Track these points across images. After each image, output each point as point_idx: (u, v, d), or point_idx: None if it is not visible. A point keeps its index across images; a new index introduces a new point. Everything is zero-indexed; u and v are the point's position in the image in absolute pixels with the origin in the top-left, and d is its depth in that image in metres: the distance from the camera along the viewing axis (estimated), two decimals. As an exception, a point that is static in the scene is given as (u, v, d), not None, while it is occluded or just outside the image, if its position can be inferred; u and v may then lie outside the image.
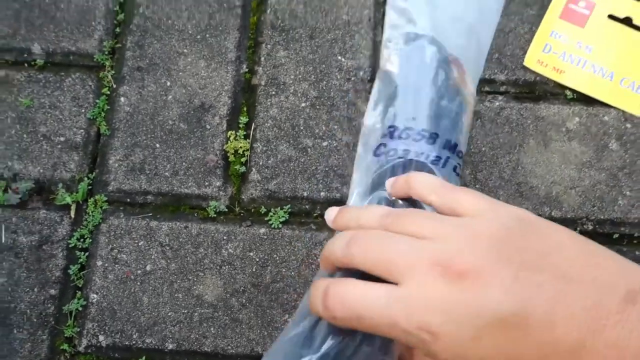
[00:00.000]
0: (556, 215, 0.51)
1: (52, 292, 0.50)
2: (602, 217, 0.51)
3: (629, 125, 0.53)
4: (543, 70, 0.54)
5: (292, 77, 0.55)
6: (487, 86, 0.55)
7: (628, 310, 0.21)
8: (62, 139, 0.54)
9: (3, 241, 0.51)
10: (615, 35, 0.55)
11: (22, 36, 0.57)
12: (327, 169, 0.52)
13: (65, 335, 0.48)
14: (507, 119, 0.54)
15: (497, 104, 0.54)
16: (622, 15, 0.55)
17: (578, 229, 0.51)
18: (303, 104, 0.54)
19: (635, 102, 0.53)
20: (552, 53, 0.54)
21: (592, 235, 0.51)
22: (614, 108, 0.54)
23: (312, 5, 0.57)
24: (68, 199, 0.51)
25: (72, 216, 0.51)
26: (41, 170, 0.53)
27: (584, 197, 0.51)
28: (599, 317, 0.21)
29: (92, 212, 0.51)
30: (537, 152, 0.53)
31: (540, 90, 0.55)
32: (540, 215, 0.51)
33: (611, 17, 0.55)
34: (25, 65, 0.56)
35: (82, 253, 0.50)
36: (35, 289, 0.50)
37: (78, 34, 0.57)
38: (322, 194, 0.51)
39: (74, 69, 0.56)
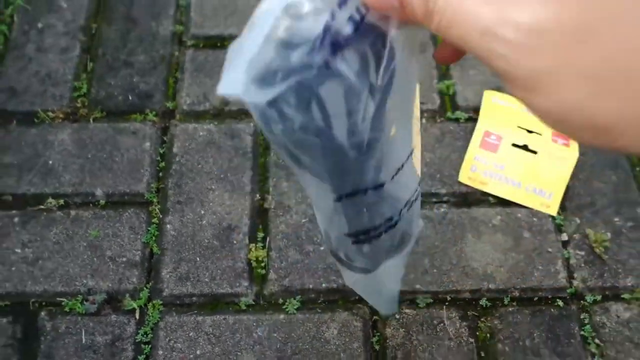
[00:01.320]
0: (492, 287, 0.70)
1: (125, 378, 0.65)
2: (524, 286, 0.71)
3: (535, 219, 0.75)
4: (472, 183, 0.77)
5: (293, 201, 0.75)
6: (433, 198, 0.77)
7: None
8: (124, 259, 0.71)
9: (83, 342, 0.66)
10: (518, 157, 0.78)
11: (87, 183, 0.76)
12: (325, 266, 0.71)
13: (137, 411, 0.63)
14: (450, 220, 0.75)
15: (442, 210, 0.75)
16: (521, 143, 0.78)
17: (509, 295, 0.70)
18: (303, 220, 0.74)
19: (537, 201, 0.75)
20: (476, 171, 0.77)
21: (518, 299, 0.70)
22: (524, 207, 0.76)
23: (303, 148, 0.79)
24: (134, 304, 0.68)
25: (137, 317, 0.68)
26: (110, 284, 0.70)
27: (510, 272, 0.72)
28: None
29: (151, 313, 0.68)
30: (474, 243, 0.73)
31: (472, 198, 0.77)
32: (480, 288, 0.70)
33: (514, 145, 0.79)
34: (91, 205, 0.75)
35: (146, 346, 0.66)
36: (112, 377, 0.65)
37: (130, 180, 0.76)
38: (324, 285, 0.70)
39: (129, 206, 0.75)
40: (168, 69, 0.85)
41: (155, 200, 0.75)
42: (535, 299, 0.71)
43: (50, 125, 0.80)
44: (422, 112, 0.82)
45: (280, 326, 0.68)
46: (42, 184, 0.76)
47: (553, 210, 0.75)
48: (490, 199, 0.76)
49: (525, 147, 0.78)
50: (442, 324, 0.69)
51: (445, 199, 0.77)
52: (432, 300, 0.70)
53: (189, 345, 0.66)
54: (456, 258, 0.72)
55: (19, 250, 0.71)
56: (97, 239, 0.72)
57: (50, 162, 0.77)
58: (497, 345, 0.68)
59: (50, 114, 0.81)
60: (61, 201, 0.75)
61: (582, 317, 0.70)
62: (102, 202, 0.75)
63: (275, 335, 0.67)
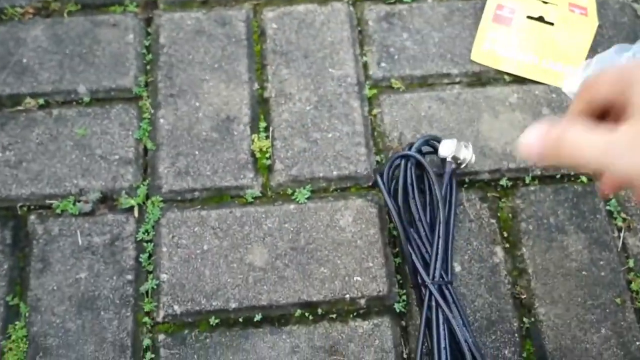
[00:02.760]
0: (512, 166, 0.66)
1: (129, 277, 0.60)
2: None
3: (554, 95, 0.70)
4: (485, 61, 0.71)
5: (295, 88, 0.69)
6: (445, 79, 0.71)
7: None
8: (116, 157, 0.65)
9: (80, 243, 0.61)
10: (534, 30, 0.72)
11: (67, 80, 0.69)
12: (334, 153, 0.66)
13: (145, 310, 0.59)
14: (464, 101, 0.70)
15: (455, 90, 0.70)
16: (536, 15, 0.73)
17: (530, 174, 0.66)
18: (308, 107, 0.68)
19: (555, 77, 0.71)
20: (490, 48, 0.72)
21: (540, 177, 0.67)
22: (541, 84, 0.71)
23: (302, 32, 0.72)
24: (131, 202, 0.63)
25: (136, 216, 0.63)
26: (103, 183, 0.64)
27: (531, 150, 0.67)
28: None
29: (151, 210, 0.63)
30: (491, 122, 0.69)
31: (485, 77, 0.72)
32: (499, 168, 0.66)
33: (529, 17, 0.73)
34: (74, 103, 0.68)
35: (149, 244, 0.62)
36: (114, 277, 0.60)
37: (115, 74, 0.69)
38: (335, 172, 0.65)
39: (117, 102, 0.68)
40: (146, -44, 0.77)
41: (144, 94, 0.69)
42: (558, 176, 0.67)
43: (20, 22, 0.72)
44: (427, -9, 0.76)
45: (291, 216, 0.63)
46: (18, 84, 0.69)
47: (573, 85, 0.70)
48: (505, 77, 0.71)
49: (541, 19, 0.73)
50: (461, 206, 0.65)
51: (457, 79, 0.71)
52: (449, 183, 0.66)
53: (194, 240, 0.62)
54: (473, 138, 0.68)
55: (-1, 154, 0.65)
56: (85, 137, 0.66)
57: (25, 60, 0.70)
58: (521, 225, 0.64)
59: (18, 9, 0.73)
60: (41, 100, 0.68)
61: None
62: (86, 99, 0.68)
63: (286, 225, 0.63)
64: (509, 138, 0.68)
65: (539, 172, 0.67)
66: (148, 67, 0.70)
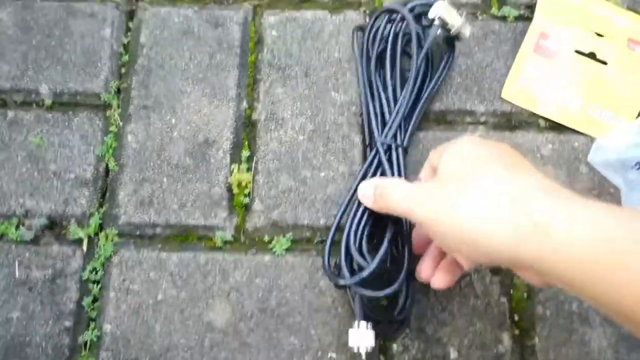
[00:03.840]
0: (536, 234, 0.55)
1: (67, 324, 0.52)
2: (577, 235, 0.56)
3: (597, 151, 0.58)
4: (518, 101, 0.60)
5: (289, 112, 0.59)
6: (468, 117, 0.60)
7: None
8: (72, 175, 0.56)
9: (17, 276, 0.53)
10: (582, 68, 0.60)
11: (29, 77, 0.60)
12: (325, 197, 0.56)
13: (82, 364, 0.51)
14: (488, 147, 0.58)
15: (478, 133, 0.59)
16: (586, 51, 0.61)
17: (556, 246, 0.55)
18: (301, 137, 0.58)
19: (601, 128, 0.59)
20: (526, 85, 0.60)
21: (569, 252, 0.55)
22: (583, 135, 0.59)
23: (305, 44, 0.61)
24: (81, 233, 0.54)
25: (85, 250, 0.54)
26: (52, 207, 0.55)
27: (560, 217, 0.56)
28: None
29: (103, 245, 0.54)
30: (517, 177, 0.57)
31: (516, 120, 0.60)
32: (521, 235, 0.55)
33: (578, 52, 0.61)
34: (34, 105, 0.59)
35: (95, 285, 0.53)
36: (50, 322, 0.52)
37: (84, 75, 0.60)
38: (322, 221, 0.55)
39: (82, 108, 0.59)
40: None
41: (114, 102, 0.59)
42: (589, 251, 0.56)
43: (-15, 1, 0.63)
44: (459, 6, 0.64)
45: (265, 270, 0.54)
46: (-27, 76, 0.60)
47: (621, 141, 0.58)
48: (541, 121, 0.60)
49: (592, 56, 0.60)
50: (467, 278, 0.54)
51: (483, 119, 0.60)
52: (457, 247, 0.55)
53: (148, 287, 0.53)
54: (492, 195, 0.56)
55: (-60, 158, 0.56)
56: (40, 148, 0.57)
57: (-16, 48, 0.61)
58: (536, 309, 0.54)
59: (-14, -14, 0.63)
60: (-4, 98, 0.59)
61: (646, 277, 0.55)
62: (48, 102, 0.59)
63: (257, 281, 0.53)
64: (535, 199, 0.56)
65: (566, 245, 0.55)
66: (122, 70, 0.60)
